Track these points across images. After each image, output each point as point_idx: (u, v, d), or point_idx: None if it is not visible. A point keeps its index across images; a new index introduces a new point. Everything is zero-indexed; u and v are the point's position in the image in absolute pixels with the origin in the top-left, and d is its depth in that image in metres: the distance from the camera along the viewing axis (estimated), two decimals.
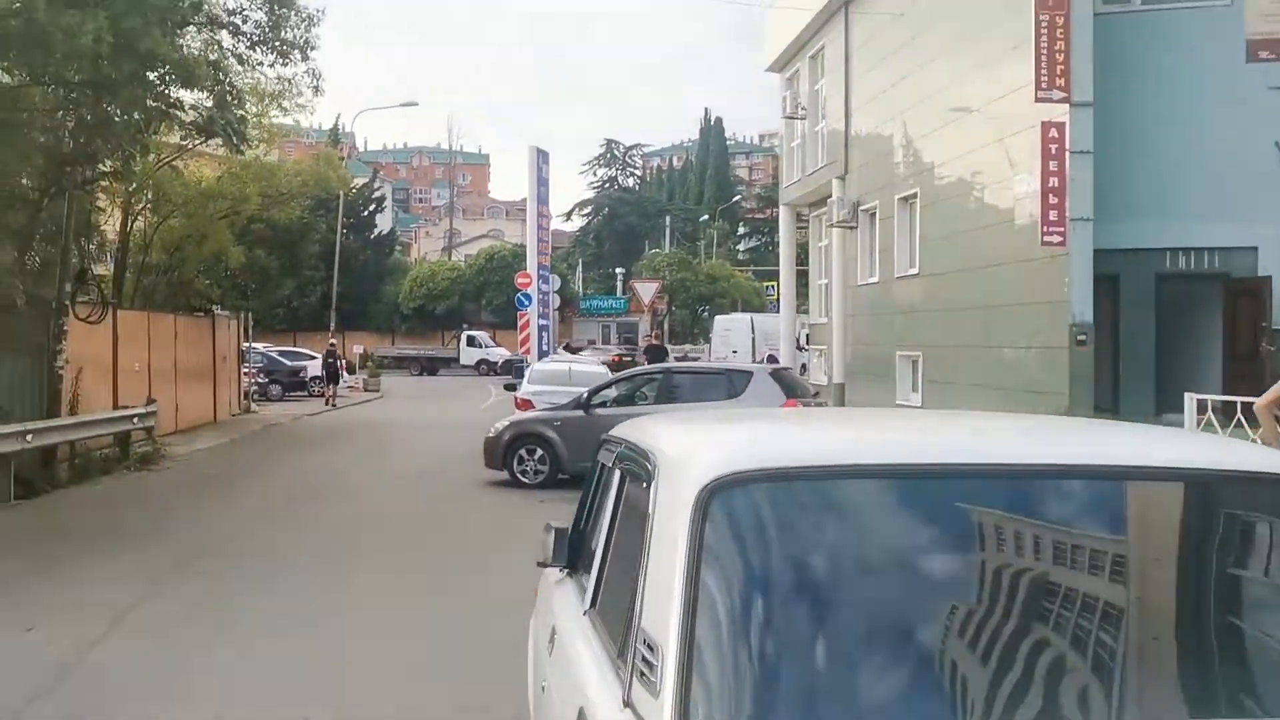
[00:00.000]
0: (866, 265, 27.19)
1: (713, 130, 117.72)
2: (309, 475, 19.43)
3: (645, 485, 2.99)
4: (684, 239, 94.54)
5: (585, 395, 17.61)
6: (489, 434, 17.89)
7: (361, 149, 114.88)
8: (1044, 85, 17.90)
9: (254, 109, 24.06)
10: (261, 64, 15.97)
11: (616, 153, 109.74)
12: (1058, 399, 17.65)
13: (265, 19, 14.93)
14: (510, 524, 14.16)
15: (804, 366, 33.00)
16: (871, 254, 26.85)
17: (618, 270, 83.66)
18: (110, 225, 25.03)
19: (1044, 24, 17.94)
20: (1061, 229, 17.89)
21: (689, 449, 2.96)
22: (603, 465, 4.21)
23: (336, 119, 79.55)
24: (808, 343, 35.74)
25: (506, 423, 18.07)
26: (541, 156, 53.20)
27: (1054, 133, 17.88)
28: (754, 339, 46.92)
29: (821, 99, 30.56)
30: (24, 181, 16.06)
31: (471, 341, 65.06)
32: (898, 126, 25.00)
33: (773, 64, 33.99)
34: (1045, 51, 17.83)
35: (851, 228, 27.57)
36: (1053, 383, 18.11)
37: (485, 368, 61.09)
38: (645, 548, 2.76)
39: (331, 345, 40.60)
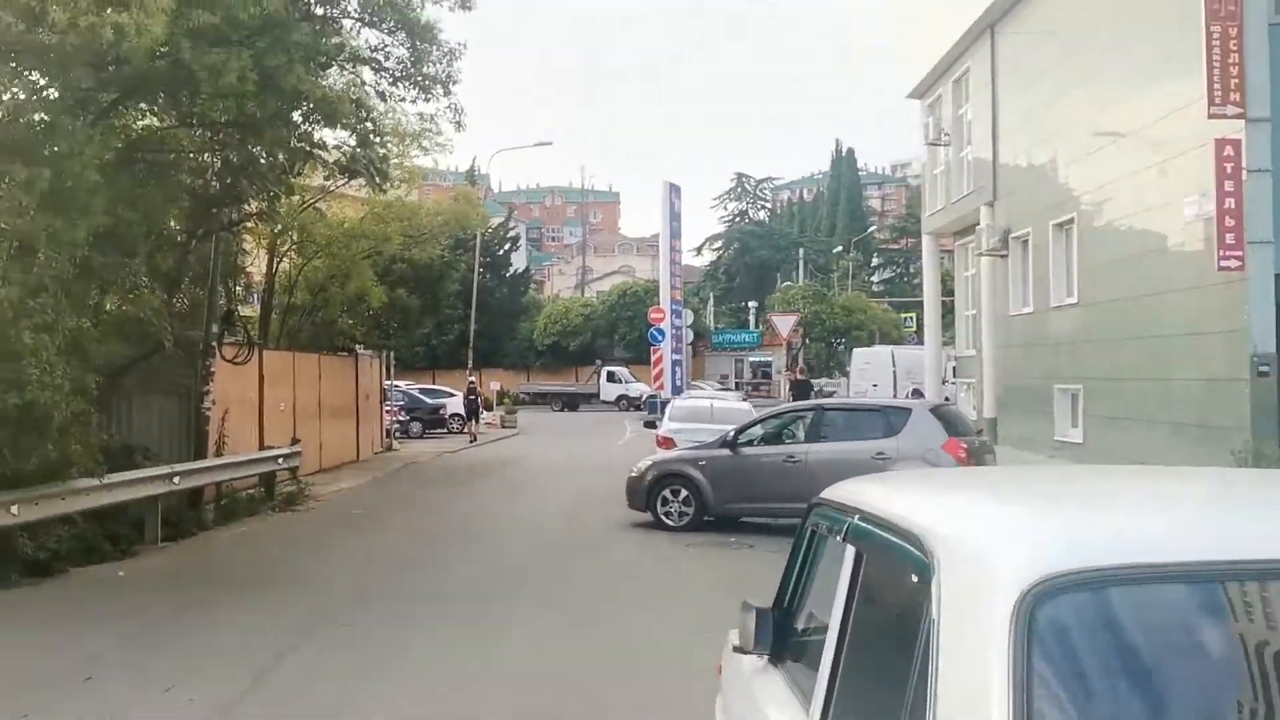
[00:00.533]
0: (1019, 295, 26.04)
1: (844, 161, 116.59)
2: (452, 516, 19.19)
3: (915, 577, 2.33)
4: (817, 271, 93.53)
5: (731, 434, 16.97)
6: (631, 474, 17.37)
7: (496, 189, 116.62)
8: (1217, 100, 16.77)
9: (395, 149, 24.20)
10: (404, 100, 15.89)
11: (747, 186, 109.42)
12: (1237, 435, 16.44)
13: (407, 54, 14.74)
14: (661, 572, 13.66)
15: (946, 399, 31.85)
16: (1024, 283, 25.71)
17: (750, 304, 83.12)
18: (256, 267, 25.38)
19: (1215, 36, 16.83)
20: (1239, 253, 16.70)
21: (983, 534, 2.27)
22: (812, 533, 3.54)
23: (473, 161, 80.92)
24: (954, 376, 34.55)
25: (649, 462, 17.52)
26: (674, 191, 53.28)
27: (1229, 150, 16.74)
28: (894, 372, 45.77)
29: (966, 124, 29.58)
30: (172, 224, 16.16)
31: (611, 377, 65.20)
32: (1050, 150, 23.93)
33: (914, 90, 33.10)
34: (1218, 65, 16.72)
35: (1002, 256, 26.48)
36: (1231, 417, 16.89)
37: (625, 403, 61.04)
38: (929, 664, 2.11)
39: (471, 383, 41.27)
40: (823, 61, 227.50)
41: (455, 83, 14.89)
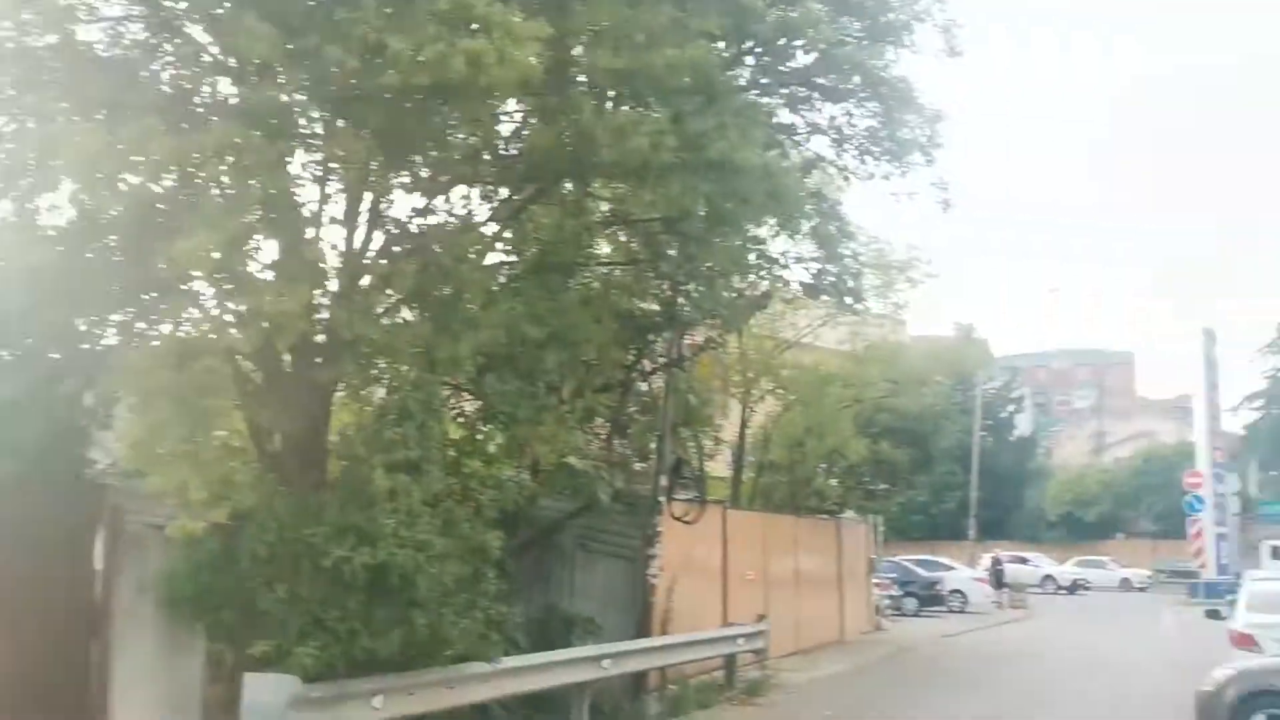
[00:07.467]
0: None
1: None
2: None
3: None
4: None
5: None
6: (1203, 688, 12.31)
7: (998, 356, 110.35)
8: None
9: (876, 280, 21.23)
10: (873, 176, 12.39)
11: None
12: None
13: (878, 126, 11.56)
14: None
15: None
16: None
17: None
18: (727, 419, 22.82)
19: None
20: None
21: None
22: None
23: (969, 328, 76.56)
24: None
25: (1232, 672, 12.40)
26: (1209, 339, 47.11)
27: None
28: None
29: None
30: (611, 355, 13.52)
31: None
32: None
33: None
34: None
35: None
36: None
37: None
38: None
39: (996, 555, 42.94)
40: None
41: (937, 146, 11.39)
